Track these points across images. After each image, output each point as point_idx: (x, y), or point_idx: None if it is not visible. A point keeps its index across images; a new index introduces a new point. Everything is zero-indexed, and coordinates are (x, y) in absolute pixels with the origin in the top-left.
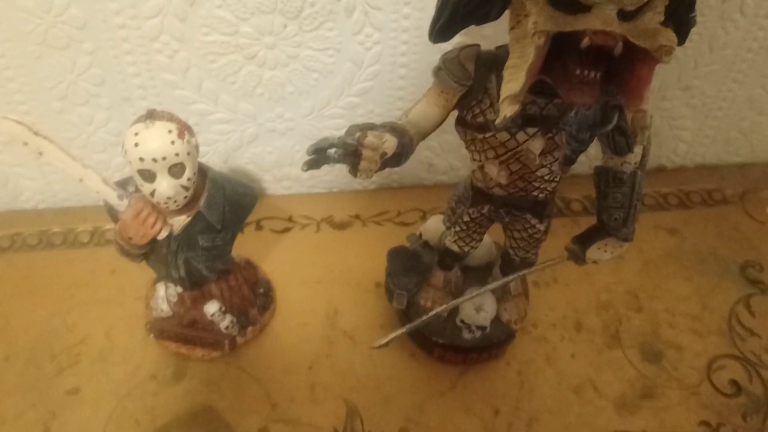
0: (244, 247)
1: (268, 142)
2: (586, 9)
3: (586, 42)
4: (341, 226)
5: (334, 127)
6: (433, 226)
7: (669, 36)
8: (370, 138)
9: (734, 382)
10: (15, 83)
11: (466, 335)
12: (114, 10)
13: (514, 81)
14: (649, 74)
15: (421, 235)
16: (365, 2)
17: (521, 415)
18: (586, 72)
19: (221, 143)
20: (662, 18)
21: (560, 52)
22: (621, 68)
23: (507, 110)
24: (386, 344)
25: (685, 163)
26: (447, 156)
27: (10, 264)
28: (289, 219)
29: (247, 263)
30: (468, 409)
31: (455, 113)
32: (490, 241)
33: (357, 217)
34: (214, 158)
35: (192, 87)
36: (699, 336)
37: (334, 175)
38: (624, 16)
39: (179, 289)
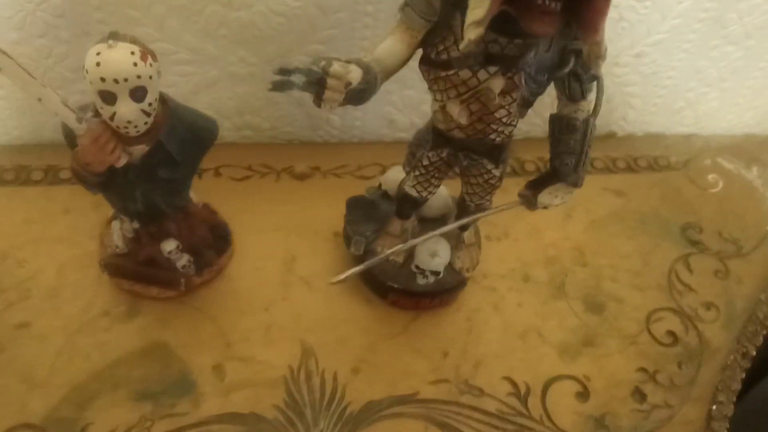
0: (202, 192)
1: (229, 87)
2: None
3: None
4: (301, 176)
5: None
6: (393, 176)
7: None
8: (336, 66)
9: (671, 333)
10: None
11: (421, 281)
12: None
13: (479, 8)
14: (605, 6)
15: (380, 185)
16: None
17: (468, 358)
18: (547, 2)
19: (181, 85)
20: None
21: None
22: (580, 0)
23: (471, 34)
24: (343, 280)
25: (634, 131)
26: (409, 112)
27: None
28: (249, 168)
29: (205, 206)
30: (418, 351)
31: (419, 55)
32: (446, 194)
33: (317, 168)
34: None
35: (154, 24)
36: (639, 290)
37: (296, 126)
38: None
39: (136, 225)
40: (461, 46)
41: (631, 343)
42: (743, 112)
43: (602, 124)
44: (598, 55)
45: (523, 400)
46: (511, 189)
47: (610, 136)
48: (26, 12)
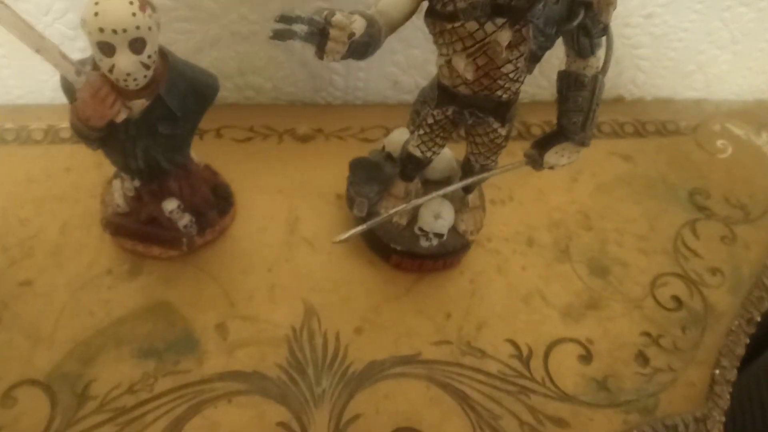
0: (204, 153)
1: (230, 45)
2: None
3: None
4: (303, 138)
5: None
6: (397, 138)
7: None
8: (338, 16)
9: (676, 298)
10: None
11: (424, 243)
12: None
13: None
14: None
15: (384, 147)
16: None
17: (471, 320)
18: None
19: (181, 43)
20: None
21: None
22: None
23: None
24: (346, 239)
25: (643, 95)
26: (413, 73)
27: None
28: (251, 129)
29: (206, 167)
30: (421, 312)
31: (424, 6)
32: (451, 156)
33: (320, 131)
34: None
35: None
36: (645, 254)
37: (298, 87)
38: None
39: (137, 183)
40: None
41: (636, 307)
42: (755, 77)
43: (610, 87)
44: (609, 2)
45: (526, 361)
46: (517, 152)
47: (619, 100)
48: None
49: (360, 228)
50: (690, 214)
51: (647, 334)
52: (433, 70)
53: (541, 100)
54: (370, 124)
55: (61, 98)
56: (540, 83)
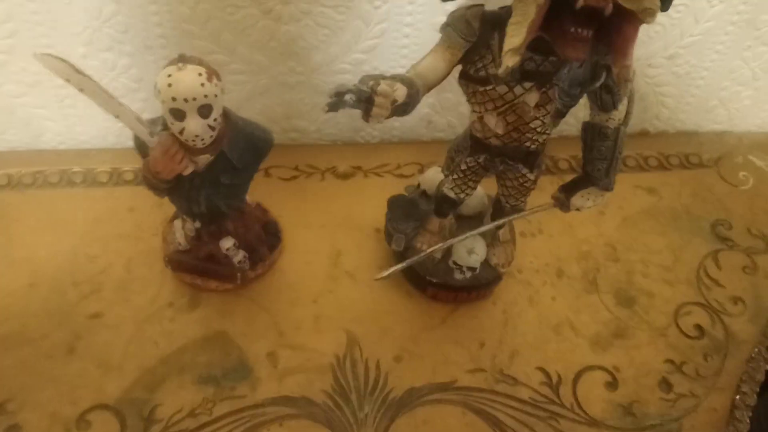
0: (254, 192)
1: (278, 94)
2: None
3: (580, 3)
4: (344, 176)
5: (341, 82)
6: (432, 176)
7: (652, 1)
8: (383, 86)
9: (698, 327)
10: (43, 27)
11: (458, 276)
12: None
13: (516, 36)
14: (634, 33)
15: (419, 185)
16: None
17: (504, 348)
18: (579, 30)
19: (235, 93)
20: None
21: (557, 11)
22: (610, 27)
23: (509, 61)
24: (387, 276)
25: (667, 129)
26: (446, 113)
27: (32, 200)
28: (296, 168)
29: (258, 206)
30: (456, 342)
31: (458, 69)
32: (483, 193)
33: (359, 168)
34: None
35: (211, 38)
36: (669, 285)
37: (339, 128)
38: None
39: (197, 225)
40: (500, 71)
41: (660, 335)
42: None
43: (635, 122)
44: (627, 78)
45: (555, 388)
46: (545, 187)
47: (643, 134)
48: (93, 28)
49: (399, 266)
50: (713, 245)
51: (671, 362)
52: (464, 111)
53: (568, 134)
54: (406, 160)
55: (124, 143)
56: (567, 120)
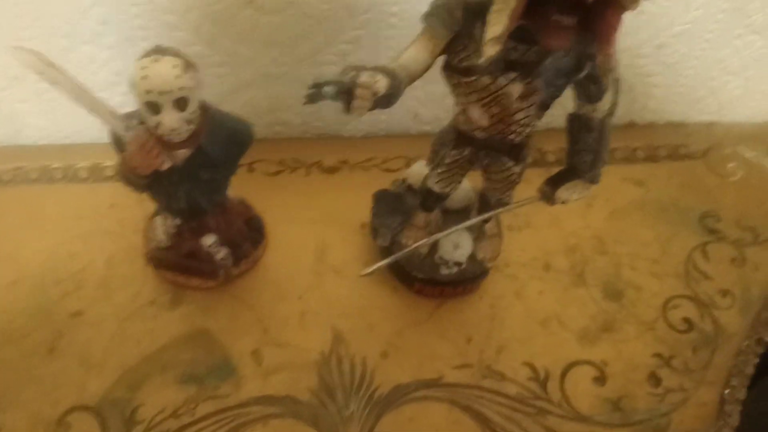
0: (237, 187)
1: (262, 86)
2: None
3: None
4: (330, 170)
5: (322, 73)
6: (417, 171)
7: None
8: (364, 77)
9: (687, 320)
10: (24, 19)
11: (444, 271)
12: None
13: (497, 24)
14: (618, 21)
15: (405, 179)
16: None
17: (491, 343)
18: (562, 18)
19: (217, 86)
20: None
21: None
22: (594, 15)
23: (490, 50)
24: (372, 273)
25: (655, 119)
26: (432, 106)
27: (12, 197)
28: (280, 162)
29: (240, 201)
30: (443, 336)
31: (442, 59)
32: (468, 187)
33: (345, 162)
34: (209, 101)
35: (191, 29)
36: (657, 278)
37: (325, 121)
38: None
39: (178, 221)
40: (481, 60)
41: (648, 329)
42: (767, 100)
43: (623, 113)
44: (609, 68)
45: (543, 384)
46: (533, 179)
47: (631, 125)
48: (73, 21)
49: (384, 262)
50: (701, 237)
51: (659, 356)
52: (450, 103)
53: (555, 127)
54: (392, 154)
55: (105, 137)
56: (554, 112)
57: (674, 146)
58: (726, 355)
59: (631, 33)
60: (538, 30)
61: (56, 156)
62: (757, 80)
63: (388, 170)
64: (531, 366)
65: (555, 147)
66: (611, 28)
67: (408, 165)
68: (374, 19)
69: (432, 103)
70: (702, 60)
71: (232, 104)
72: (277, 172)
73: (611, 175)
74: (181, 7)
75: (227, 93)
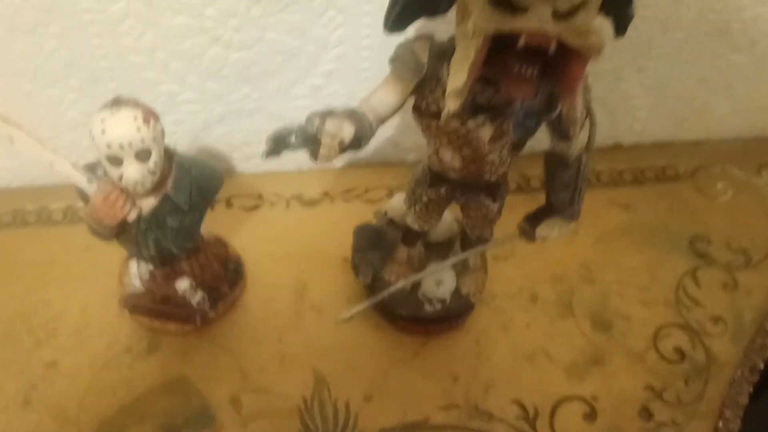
0: (214, 224)
1: (235, 121)
2: (523, 10)
3: (522, 42)
4: (310, 203)
5: (301, 107)
6: (398, 204)
7: (599, 36)
8: (329, 126)
9: (678, 350)
10: None
11: (428, 308)
12: None
13: (457, 76)
14: (581, 70)
15: (386, 212)
16: None
17: (478, 381)
18: (524, 69)
19: (189, 123)
20: (595, 18)
21: (501, 48)
22: (556, 63)
23: (452, 105)
24: (351, 317)
25: (640, 141)
26: (412, 134)
27: None
28: (259, 196)
29: (216, 240)
30: (429, 376)
31: (412, 99)
32: (451, 218)
33: (326, 194)
34: (183, 137)
35: (159, 68)
36: (647, 306)
37: (303, 153)
38: (558, 16)
39: (150, 267)
40: (442, 116)
41: (639, 360)
42: (752, 117)
43: (607, 136)
44: (574, 120)
45: (532, 422)
46: (516, 206)
47: (617, 147)
48: (36, 65)
49: (364, 304)
50: (691, 262)
51: (651, 389)
52: None
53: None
54: (374, 184)
55: None
56: (538, 136)
57: (661, 168)
58: (719, 385)
59: (612, 57)
60: (500, 80)
61: (28, 198)
62: (741, 98)
63: (369, 201)
64: (519, 404)
65: (539, 172)
66: (575, 76)
67: (390, 195)
68: (347, 53)
69: (413, 131)
70: (684, 81)
71: (206, 139)
72: (256, 207)
73: (597, 199)
74: (147, 47)
75: (200, 129)
